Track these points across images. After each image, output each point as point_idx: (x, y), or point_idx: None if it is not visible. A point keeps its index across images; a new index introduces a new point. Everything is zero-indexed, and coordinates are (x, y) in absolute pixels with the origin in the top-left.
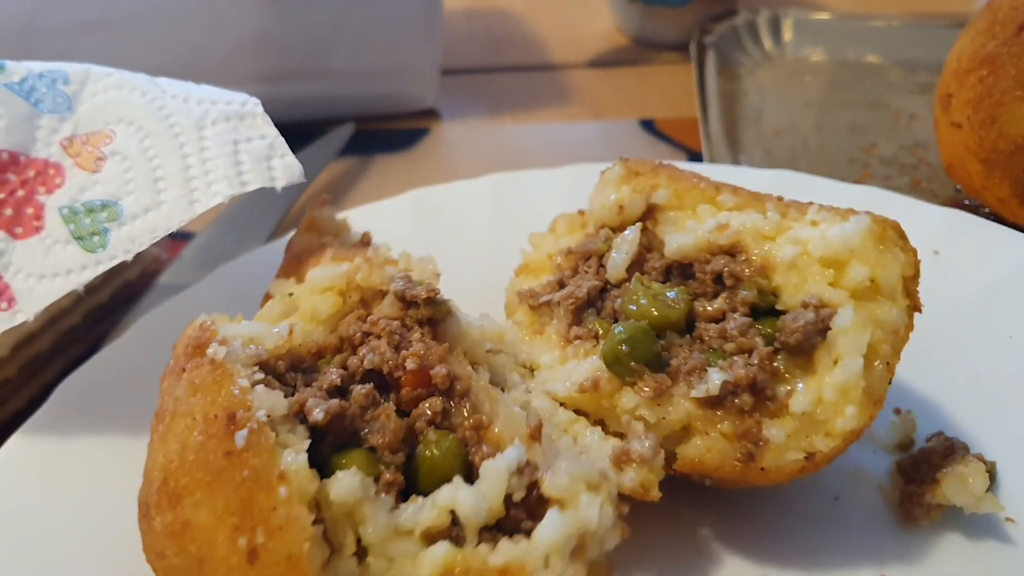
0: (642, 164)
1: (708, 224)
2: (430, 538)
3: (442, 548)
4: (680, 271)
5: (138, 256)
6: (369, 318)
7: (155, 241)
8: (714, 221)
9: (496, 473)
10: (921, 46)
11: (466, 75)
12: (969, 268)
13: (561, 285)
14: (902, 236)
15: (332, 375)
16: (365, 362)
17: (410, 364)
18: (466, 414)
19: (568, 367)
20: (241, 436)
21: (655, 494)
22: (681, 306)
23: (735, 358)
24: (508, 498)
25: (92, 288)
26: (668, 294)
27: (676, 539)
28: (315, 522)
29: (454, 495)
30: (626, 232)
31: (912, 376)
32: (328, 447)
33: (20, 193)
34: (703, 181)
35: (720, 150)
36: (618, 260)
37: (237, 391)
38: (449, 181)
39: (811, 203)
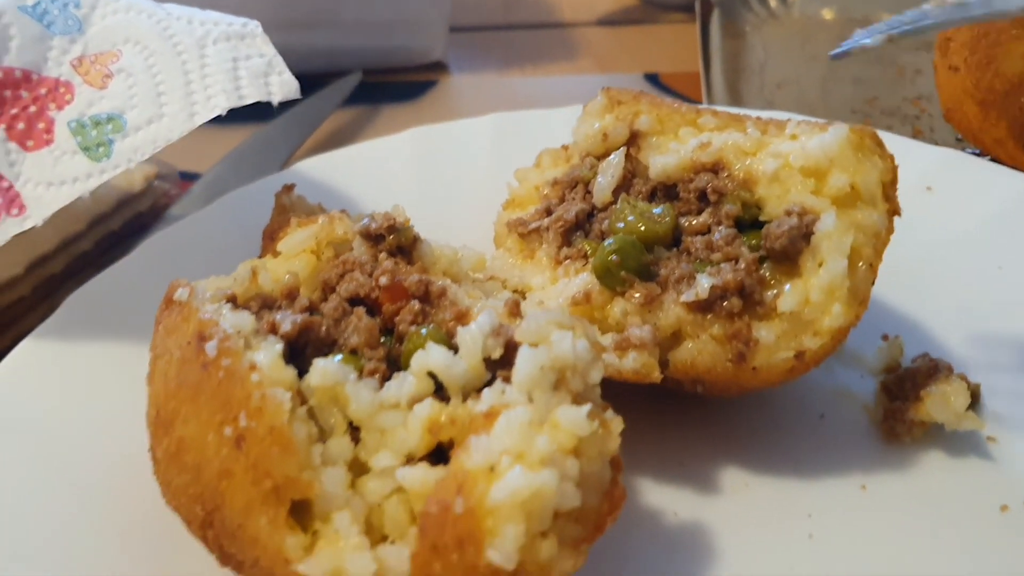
0: (624, 93)
1: (690, 144)
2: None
3: (426, 405)
4: (665, 193)
5: (149, 189)
6: (340, 258)
7: (157, 150)
8: (696, 141)
9: (470, 335)
10: None
11: (475, 32)
12: (961, 204)
13: (548, 212)
14: (879, 144)
15: (303, 300)
16: (342, 292)
17: (383, 280)
18: (446, 308)
19: (559, 286)
20: (211, 346)
21: (656, 375)
22: (667, 220)
23: (723, 265)
24: (491, 363)
25: (104, 216)
26: (654, 210)
27: (666, 452)
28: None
29: (426, 357)
30: (611, 156)
31: (901, 304)
32: (308, 362)
33: (32, 109)
34: (684, 106)
35: (721, 101)
36: (604, 183)
37: (205, 315)
38: None
39: (790, 119)
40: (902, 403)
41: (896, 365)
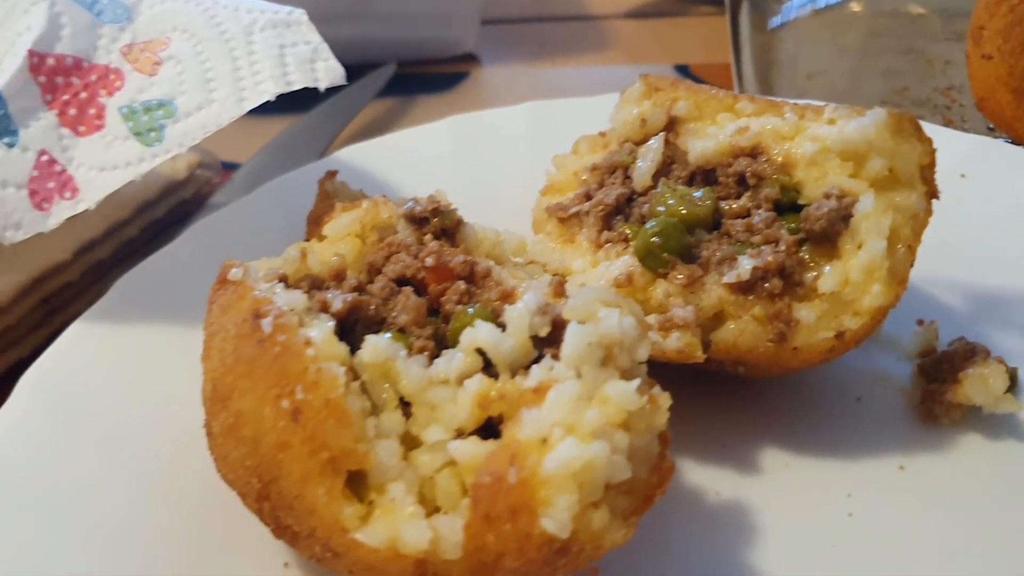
0: (661, 80)
1: (729, 129)
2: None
3: (476, 380)
4: (704, 177)
5: (192, 177)
6: (386, 240)
7: (207, 135)
8: (734, 126)
9: (517, 313)
10: None
11: (507, 24)
12: (995, 190)
13: (588, 197)
14: (917, 128)
15: (352, 280)
16: (389, 273)
17: (429, 261)
18: (492, 287)
19: (600, 269)
20: (267, 323)
21: (699, 355)
22: (708, 203)
23: (763, 248)
24: (538, 340)
25: (150, 203)
26: (694, 194)
27: (707, 433)
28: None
29: (475, 334)
30: (651, 142)
31: (936, 289)
32: (359, 340)
33: (83, 95)
34: (721, 92)
35: (753, 93)
36: (644, 168)
37: (259, 294)
38: None
39: (827, 104)
40: (940, 385)
41: (932, 349)
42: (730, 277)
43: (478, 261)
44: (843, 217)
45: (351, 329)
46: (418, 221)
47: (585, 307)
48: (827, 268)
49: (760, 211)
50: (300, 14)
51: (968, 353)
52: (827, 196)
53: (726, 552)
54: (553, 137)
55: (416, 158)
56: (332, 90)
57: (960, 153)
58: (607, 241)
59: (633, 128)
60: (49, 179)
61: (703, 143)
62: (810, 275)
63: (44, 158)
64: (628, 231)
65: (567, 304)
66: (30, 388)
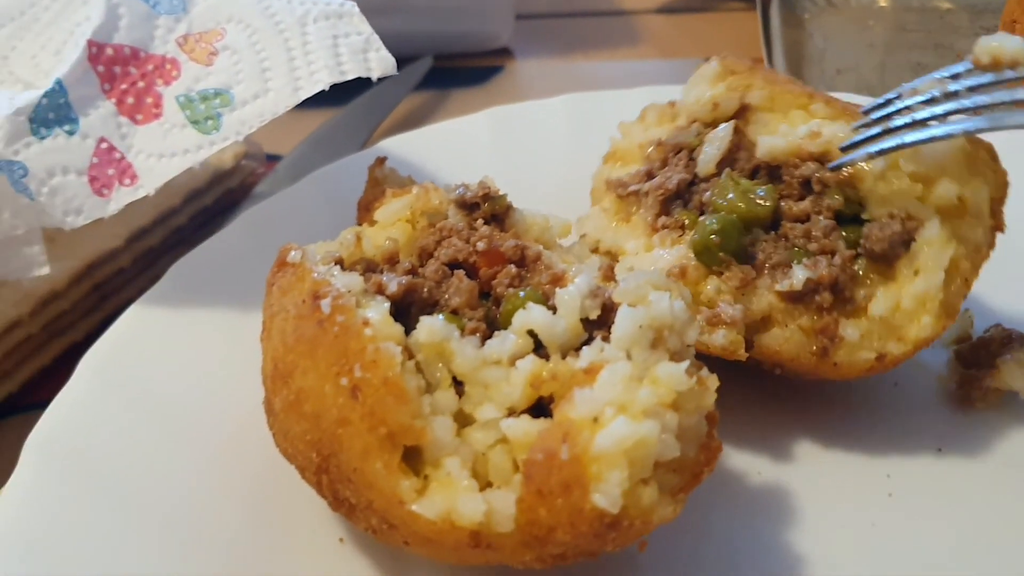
0: (738, 64)
1: (800, 130)
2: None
3: (528, 361)
4: (768, 172)
5: (239, 167)
6: (437, 225)
7: (263, 124)
8: (806, 127)
9: (569, 296)
10: None
11: (540, 19)
12: None
13: (650, 176)
14: (993, 158)
15: (406, 263)
16: (441, 257)
17: (481, 245)
18: (542, 271)
19: (654, 254)
20: (326, 303)
21: (742, 353)
22: (769, 203)
23: (818, 258)
24: (588, 323)
25: (199, 192)
26: (757, 191)
27: (748, 417)
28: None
29: (527, 316)
30: (719, 128)
31: None
32: (413, 321)
33: (140, 84)
34: (797, 86)
35: None
36: (709, 155)
37: (317, 276)
38: None
39: None
40: (976, 371)
41: (967, 336)
42: (783, 285)
43: (528, 245)
44: (904, 241)
45: (406, 311)
46: (468, 207)
47: (636, 290)
48: (880, 291)
49: (820, 218)
50: (351, 6)
51: (1004, 340)
52: (892, 216)
53: (769, 528)
54: (589, 129)
55: (455, 149)
56: (371, 83)
57: (992, 141)
58: (664, 226)
59: (704, 110)
60: (109, 166)
61: (773, 140)
62: (861, 292)
63: (103, 145)
64: (686, 219)
65: (618, 287)
66: (91, 369)
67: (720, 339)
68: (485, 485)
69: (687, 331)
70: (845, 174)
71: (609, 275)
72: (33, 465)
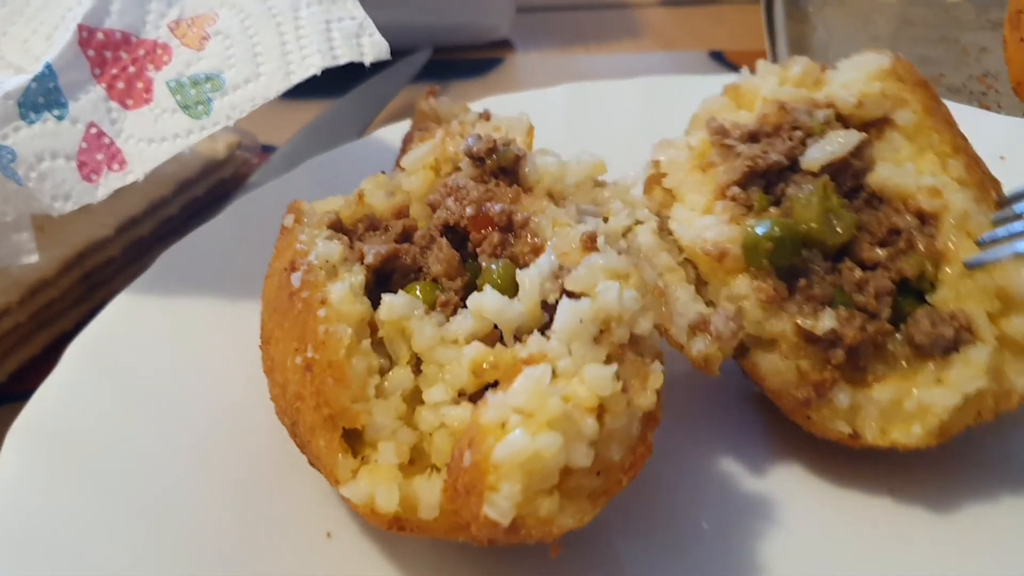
0: (910, 73)
1: (925, 180)
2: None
3: (474, 347)
4: (866, 199)
5: (232, 157)
6: (446, 181)
7: (255, 108)
8: (933, 180)
9: (528, 279)
10: None
11: (541, 11)
12: None
13: (752, 138)
14: None
15: (396, 227)
16: (435, 221)
17: (469, 211)
18: (527, 241)
19: (707, 220)
20: (296, 277)
21: (714, 371)
22: (843, 235)
23: (856, 313)
24: (550, 306)
25: (190, 182)
26: (841, 215)
27: (748, 415)
28: (374, 341)
29: (480, 300)
30: (848, 133)
31: None
32: (398, 286)
33: (131, 69)
34: (949, 131)
35: None
36: (821, 154)
37: (300, 245)
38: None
39: None
40: None
41: None
42: (805, 323)
43: (516, 210)
44: (948, 347)
45: (388, 278)
46: (478, 159)
47: (587, 278)
48: (893, 378)
49: (884, 276)
50: None
51: None
52: (952, 318)
53: (769, 528)
54: (587, 118)
55: None
56: (368, 74)
57: (999, 135)
58: (733, 197)
59: (846, 101)
60: (97, 151)
61: (893, 174)
62: (876, 367)
63: (93, 130)
64: (757, 202)
65: (571, 274)
66: (77, 356)
67: (699, 347)
68: (430, 467)
69: (639, 322)
70: (940, 244)
71: (590, 245)
72: (17, 452)
